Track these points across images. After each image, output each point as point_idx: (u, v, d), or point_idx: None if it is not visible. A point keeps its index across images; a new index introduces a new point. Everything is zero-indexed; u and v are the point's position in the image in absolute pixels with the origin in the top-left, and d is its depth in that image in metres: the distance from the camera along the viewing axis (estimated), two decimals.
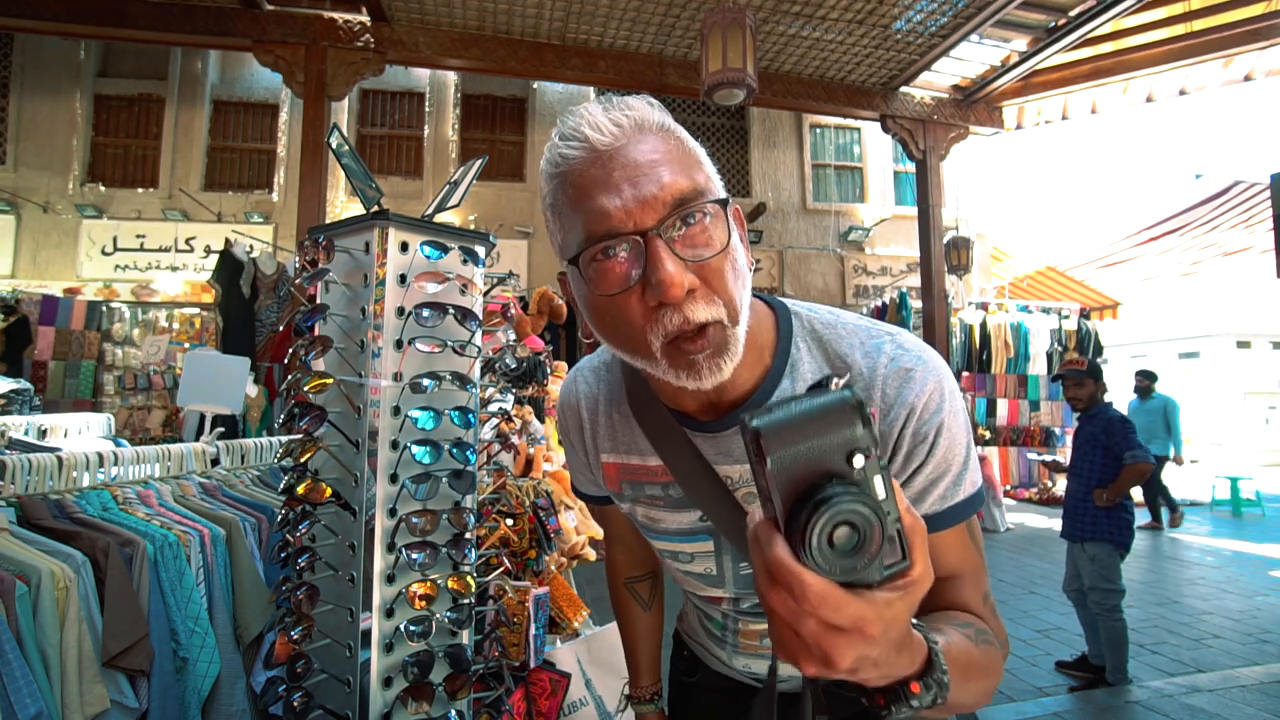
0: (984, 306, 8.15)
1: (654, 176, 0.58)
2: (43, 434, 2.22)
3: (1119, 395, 6.72)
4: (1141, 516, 6.70)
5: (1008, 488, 8.45)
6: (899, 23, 5.72)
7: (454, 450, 1.08)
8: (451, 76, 8.87)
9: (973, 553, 0.68)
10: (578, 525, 2.33)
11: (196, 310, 7.22)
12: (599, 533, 2.25)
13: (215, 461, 1.57)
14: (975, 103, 6.98)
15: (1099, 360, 7.42)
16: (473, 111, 9.14)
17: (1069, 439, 7.02)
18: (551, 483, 2.21)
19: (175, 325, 6.85)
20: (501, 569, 1.20)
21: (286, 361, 1.03)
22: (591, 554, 2.30)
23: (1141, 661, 3.44)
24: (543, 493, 2.01)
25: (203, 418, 2.05)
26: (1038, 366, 7.91)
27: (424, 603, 1.02)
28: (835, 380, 0.39)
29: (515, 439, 2.02)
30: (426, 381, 1.02)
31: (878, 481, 0.37)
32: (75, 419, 2.45)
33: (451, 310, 1.06)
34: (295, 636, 1.01)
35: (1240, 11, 5.74)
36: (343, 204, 8.38)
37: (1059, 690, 3.15)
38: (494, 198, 8.83)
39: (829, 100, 6.65)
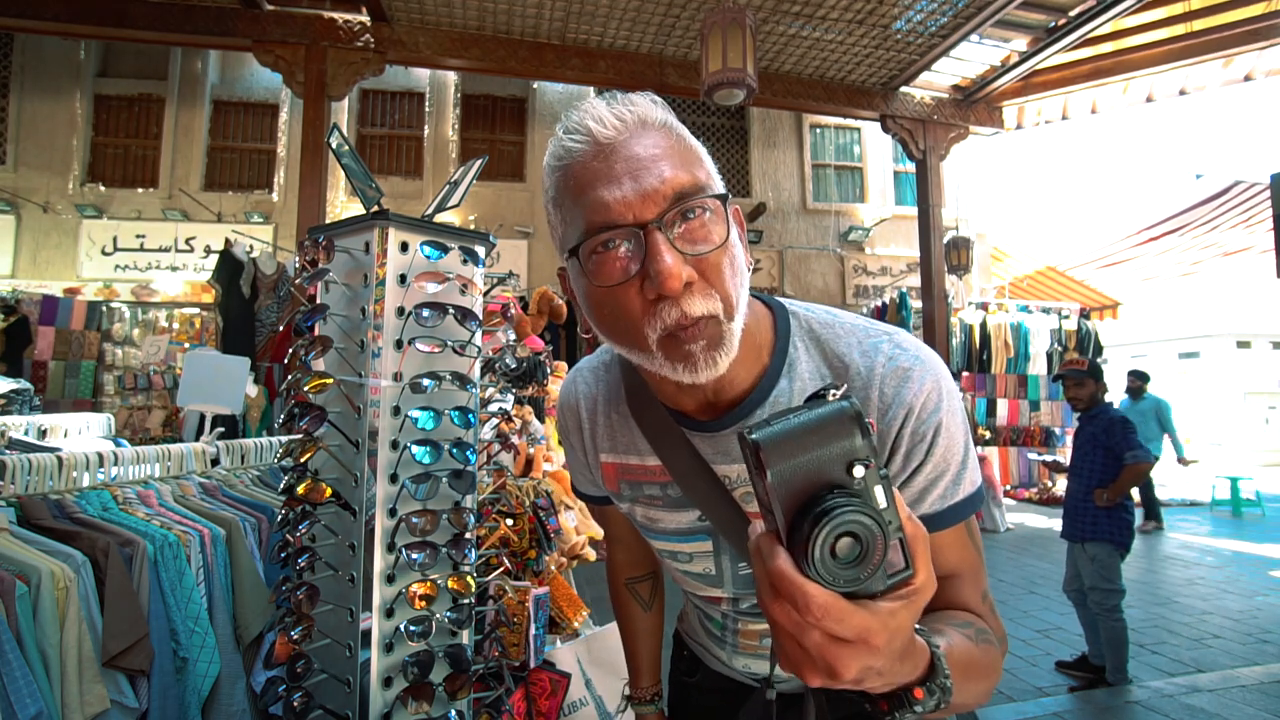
0: (984, 306, 8.16)
1: (655, 171, 0.58)
2: (43, 434, 2.22)
3: (1118, 396, 6.74)
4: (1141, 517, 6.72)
5: (1008, 488, 8.45)
6: (899, 23, 5.72)
7: (454, 450, 1.08)
8: (451, 76, 8.87)
9: (972, 552, 0.68)
10: (578, 525, 2.33)
11: (196, 310, 7.22)
12: (599, 533, 2.25)
13: (215, 461, 1.57)
14: (975, 103, 6.98)
15: (1099, 360, 7.42)
16: (473, 111, 9.14)
17: (1069, 439, 7.03)
18: (551, 483, 2.21)
19: (175, 325, 6.85)
20: (501, 569, 1.20)
21: (286, 361, 1.03)
22: (591, 554, 2.30)
23: (1141, 661, 3.44)
24: (543, 493, 2.01)
25: (203, 418, 2.05)
26: (1038, 366, 7.91)
27: (424, 603, 1.02)
28: (833, 391, 0.39)
29: (515, 439, 2.02)
30: (426, 381, 1.02)
31: (878, 491, 0.37)
32: (75, 419, 2.44)
33: (451, 310, 1.06)
34: (295, 636, 1.01)
35: (1240, 11, 5.75)
36: (343, 204, 8.38)
37: (1059, 690, 3.15)
38: (494, 198, 8.83)
39: (829, 100, 6.65)
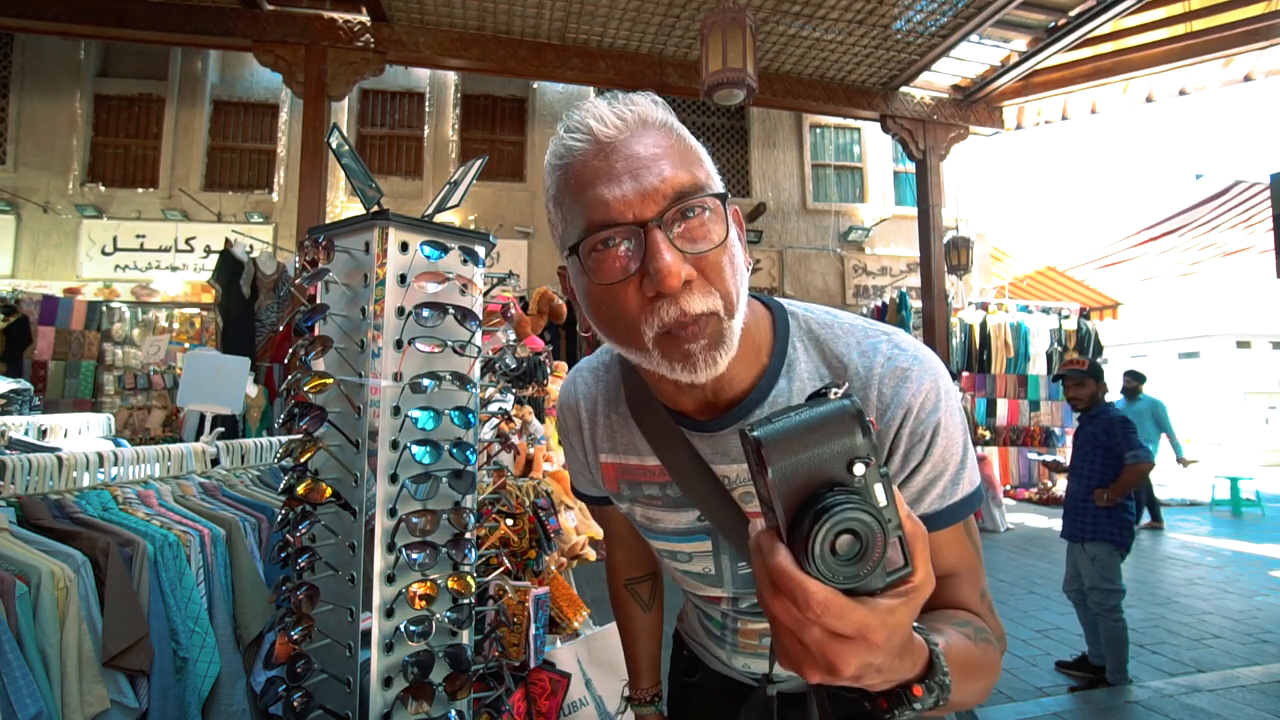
0: (984, 306, 8.16)
1: (655, 169, 0.58)
2: (43, 434, 2.22)
3: (1115, 396, 6.72)
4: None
5: (1008, 488, 8.45)
6: (899, 23, 5.72)
7: (454, 450, 1.08)
8: (451, 76, 8.87)
9: (970, 551, 0.69)
10: (578, 525, 2.33)
11: (196, 310, 7.22)
12: (599, 533, 2.25)
13: (215, 461, 1.57)
14: (975, 103, 6.99)
15: (1099, 360, 7.42)
16: (473, 111, 9.14)
17: (1069, 439, 7.02)
18: (551, 483, 2.21)
19: (175, 325, 6.85)
20: (501, 569, 1.20)
21: (286, 361, 1.03)
22: (591, 554, 2.30)
23: (1141, 661, 3.44)
24: (543, 493, 2.01)
25: (203, 418, 2.05)
26: (1038, 366, 7.91)
27: (424, 603, 1.02)
28: (835, 389, 0.40)
29: (515, 439, 2.02)
30: (426, 381, 1.02)
31: (878, 489, 0.38)
32: (75, 419, 2.44)
33: (451, 310, 1.06)
34: (295, 636, 1.01)
35: (1240, 11, 5.75)
36: (343, 204, 8.39)
37: (1059, 690, 3.15)
38: (494, 198, 8.84)
39: (829, 100, 6.65)
